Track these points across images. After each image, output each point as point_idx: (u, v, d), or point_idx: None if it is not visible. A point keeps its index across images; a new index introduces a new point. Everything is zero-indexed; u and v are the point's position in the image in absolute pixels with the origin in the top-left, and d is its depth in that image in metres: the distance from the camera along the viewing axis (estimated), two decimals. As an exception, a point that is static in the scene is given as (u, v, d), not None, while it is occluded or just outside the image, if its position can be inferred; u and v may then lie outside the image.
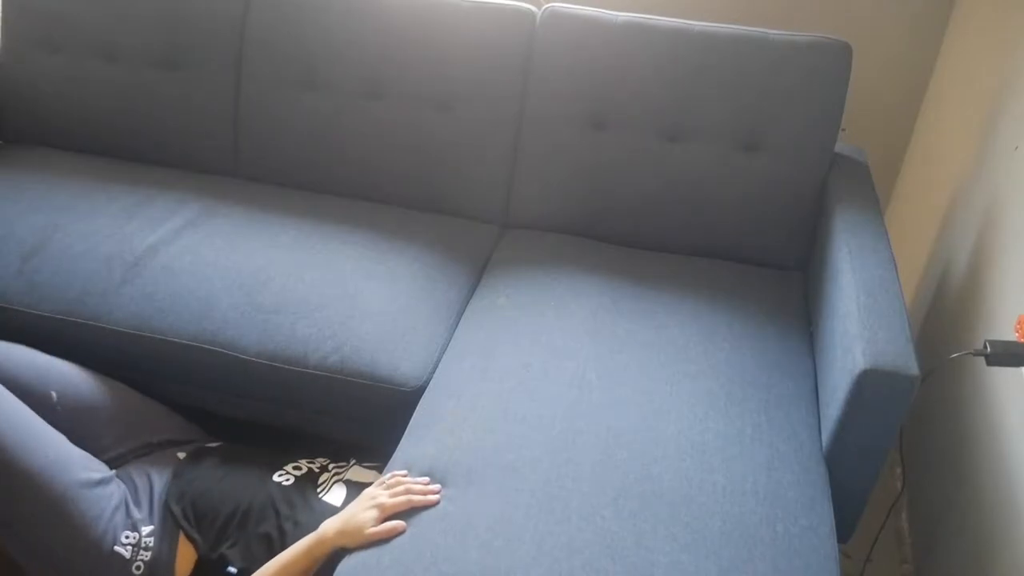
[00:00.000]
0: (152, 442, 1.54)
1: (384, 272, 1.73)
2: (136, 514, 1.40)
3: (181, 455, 1.52)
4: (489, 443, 1.34)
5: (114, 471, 1.46)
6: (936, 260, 1.97)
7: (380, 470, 1.41)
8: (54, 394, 1.50)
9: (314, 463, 1.48)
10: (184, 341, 1.60)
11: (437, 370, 1.54)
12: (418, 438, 1.37)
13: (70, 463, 1.39)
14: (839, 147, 1.87)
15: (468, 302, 1.73)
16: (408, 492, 1.24)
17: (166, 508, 1.40)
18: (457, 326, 1.66)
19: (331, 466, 1.48)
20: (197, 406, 1.71)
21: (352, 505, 1.27)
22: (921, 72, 2.26)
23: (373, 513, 1.22)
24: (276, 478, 1.42)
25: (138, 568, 1.35)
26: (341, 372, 1.55)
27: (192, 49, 2.01)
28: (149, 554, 1.36)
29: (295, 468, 1.46)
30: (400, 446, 1.37)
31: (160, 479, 1.46)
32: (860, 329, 1.33)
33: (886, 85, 2.28)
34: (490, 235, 1.93)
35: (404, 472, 1.30)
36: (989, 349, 1.27)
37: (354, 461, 1.49)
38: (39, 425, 1.40)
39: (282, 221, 1.86)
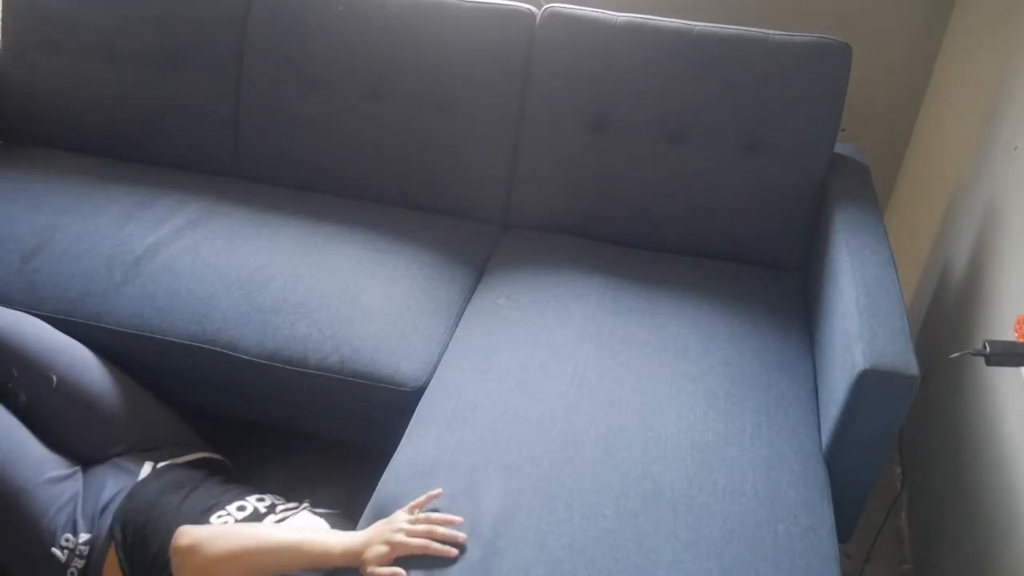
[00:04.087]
0: (131, 446, 1.53)
1: (384, 272, 1.73)
2: (80, 519, 1.38)
3: (147, 467, 1.48)
4: (490, 443, 1.34)
5: (78, 467, 1.46)
6: (936, 260, 1.97)
7: (330, 518, 1.35)
8: (55, 378, 1.50)
9: (263, 500, 1.42)
10: (184, 341, 1.60)
11: (437, 370, 1.54)
12: (419, 438, 1.37)
13: (25, 456, 1.39)
14: (839, 147, 1.87)
15: (468, 302, 1.73)
16: (430, 535, 1.15)
17: (111, 526, 1.38)
18: (457, 326, 1.66)
19: (279, 508, 1.40)
20: (196, 406, 1.71)
21: (374, 528, 1.20)
22: (921, 72, 2.26)
23: (383, 550, 1.14)
24: (215, 519, 1.36)
25: (72, 574, 1.35)
26: (341, 372, 1.55)
27: (192, 49, 2.01)
28: (83, 562, 1.35)
29: (239, 509, 1.38)
30: (400, 446, 1.37)
31: (113, 488, 1.43)
32: (860, 329, 1.33)
33: (886, 85, 2.28)
34: (490, 235, 1.93)
35: (438, 493, 1.23)
36: (989, 349, 1.27)
37: (306, 504, 1.42)
38: None
39: (282, 221, 1.86)
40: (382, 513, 1.24)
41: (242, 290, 1.66)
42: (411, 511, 1.21)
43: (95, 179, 1.97)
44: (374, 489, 1.31)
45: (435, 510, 1.22)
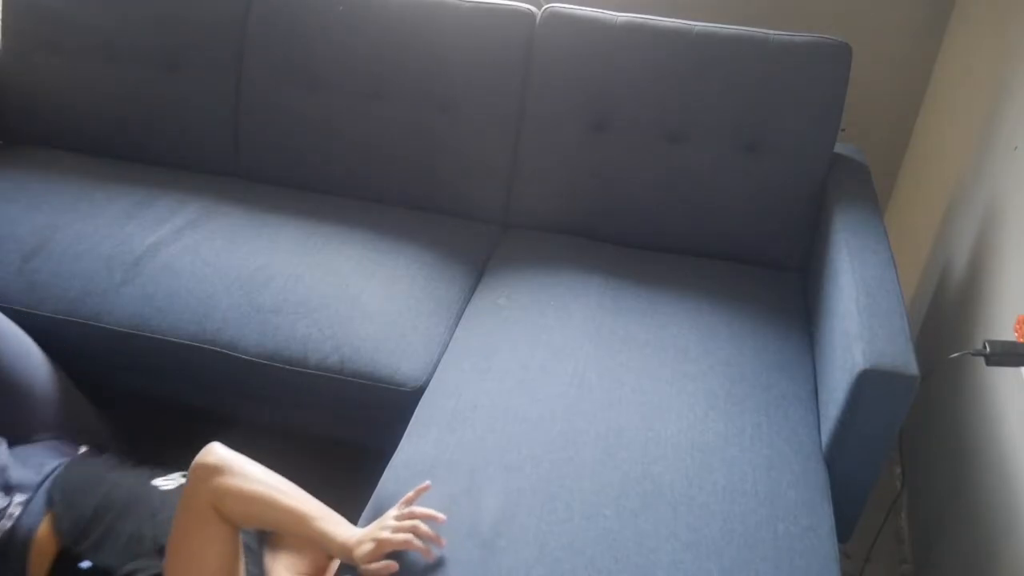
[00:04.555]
0: (60, 431, 1.52)
1: (384, 272, 1.73)
2: (15, 483, 1.36)
3: (83, 449, 1.49)
4: (490, 443, 1.34)
5: (3, 439, 1.45)
6: (936, 260, 1.97)
7: None
8: None
9: None
10: (184, 341, 1.60)
11: (437, 370, 1.54)
12: (418, 438, 1.37)
13: None
14: (839, 147, 1.87)
15: (468, 302, 1.73)
16: (414, 530, 1.16)
17: (49, 492, 1.36)
18: (457, 326, 1.66)
19: None
20: (196, 406, 1.71)
21: (369, 527, 1.21)
22: (921, 72, 2.26)
23: (370, 547, 1.15)
24: (156, 481, 1.36)
25: None
26: (341, 372, 1.55)
27: (192, 49, 2.01)
28: (11, 523, 1.32)
29: (183, 475, 1.37)
30: (400, 446, 1.37)
31: (53, 462, 1.42)
32: (860, 329, 1.33)
33: (886, 85, 2.28)
34: (490, 235, 1.93)
35: (427, 486, 1.24)
36: (989, 349, 1.27)
37: None
38: None
39: (282, 221, 1.86)
40: (382, 513, 1.24)
41: (242, 290, 1.66)
42: (401, 507, 1.22)
43: (95, 179, 1.97)
44: (374, 489, 1.31)
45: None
